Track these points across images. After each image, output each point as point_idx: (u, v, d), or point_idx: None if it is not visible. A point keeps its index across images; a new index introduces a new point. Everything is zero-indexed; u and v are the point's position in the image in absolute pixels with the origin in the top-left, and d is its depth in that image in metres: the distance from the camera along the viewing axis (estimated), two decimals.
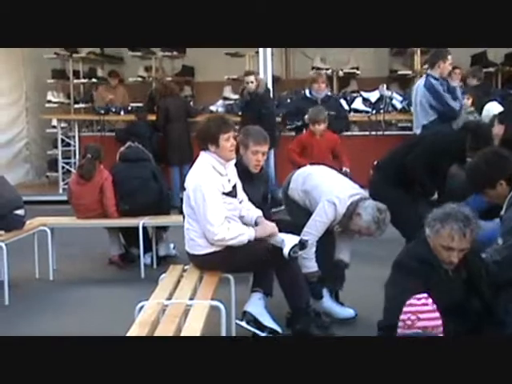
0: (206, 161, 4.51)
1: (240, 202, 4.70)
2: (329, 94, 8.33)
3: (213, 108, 10.82)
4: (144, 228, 6.67)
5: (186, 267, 4.92)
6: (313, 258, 4.91)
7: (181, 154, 9.71)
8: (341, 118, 8.09)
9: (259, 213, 4.76)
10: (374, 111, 10.45)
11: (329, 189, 5.03)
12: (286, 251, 4.53)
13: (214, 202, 4.41)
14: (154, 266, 6.93)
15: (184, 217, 4.69)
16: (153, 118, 10.23)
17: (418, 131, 7.46)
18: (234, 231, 4.46)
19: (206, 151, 4.55)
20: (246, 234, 4.48)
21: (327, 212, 4.91)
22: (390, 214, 4.98)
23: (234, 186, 4.63)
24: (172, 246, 7.07)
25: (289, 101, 10.10)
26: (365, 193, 5.14)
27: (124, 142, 7.36)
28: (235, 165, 4.73)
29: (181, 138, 9.90)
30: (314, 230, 4.92)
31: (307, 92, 8.27)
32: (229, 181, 4.57)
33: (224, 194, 4.52)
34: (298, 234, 4.79)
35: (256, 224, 4.66)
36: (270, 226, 4.57)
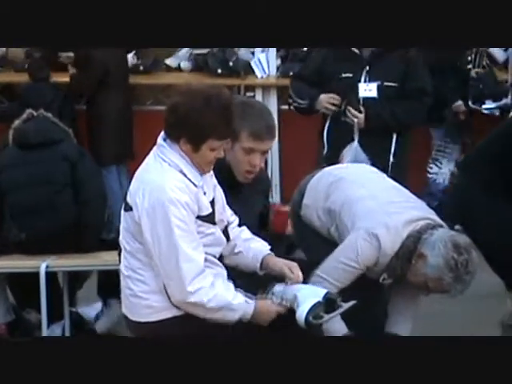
0: (168, 160, 3.51)
1: (226, 227, 3.70)
2: None
3: (170, 62, 8.30)
4: (49, 275, 5.21)
5: None
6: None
7: (120, 144, 7.45)
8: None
9: (266, 246, 3.77)
10: None
11: (371, 208, 4.03)
12: (301, 316, 3.49)
13: (188, 235, 3.45)
14: None
15: (120, 255, 3.68)
16: (63, 78, 7.72)
17: None
18: (221, 297, 3.46)
19: (171, 145, 3.52)
20: (239, 311, 3.47)
21: (361, 251, 3.92)
22: (491, 249, 4.22)
23: (212, 203, 3.61)
24: (100, 306, 5.64)
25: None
26: (435, 216, 4.10)
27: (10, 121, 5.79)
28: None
29: (121, 116, 7.70)
30: (331, 275, 3.94)
31: None
32: (204, 194, 3.56)
33: (200, 218, 3.52)
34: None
35: (261, 267, 3.70)
36: (270, 309, 3.56)
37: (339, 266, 3.98)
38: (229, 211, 3.81)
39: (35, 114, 5.46)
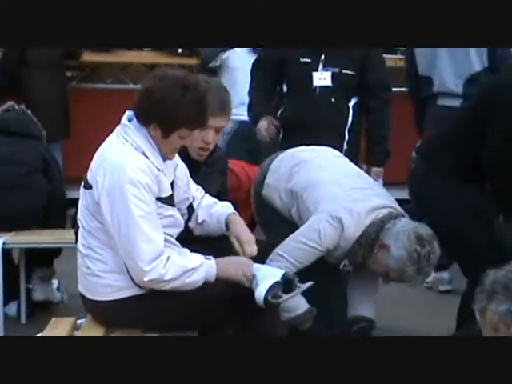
0: (130, 140, 3.47)
1: (190, 204, 3.73)
2: None
3: None
4: (5, 252, 5.10)
5: (79, 322, 3.91)
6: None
7: (50, 123, 7.09)
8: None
9: (230, 206, 3.78)
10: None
11: (334, 192, 4.01)
12: (260, 295, 3.48)
13: (147, 216, 3.42)
14: (23, 319, 5.49)
15: (77, 234, 3.63)
16: None
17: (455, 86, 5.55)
18: (176, 266, 3.42)
19: (137, 127, 3.47)
20: (200, 270, 3.43)
21: (324, 233, 3.89)
22: (449, 235, 4.02)
23: (172, 185, 3.58)
24: (56, 285, 5.61)
25: None
26: (396, 205, 4.08)
27: None
28: None
29: (48, 95, 7.71)
30: (291, 254, 3.89)
31: None
32: (164, 176, 3.52)
33: (159, 199, 3.48)
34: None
35: (227, 228, 3.71)
36: (245, 262, 3.55)
37: (300, 246, 3.95)
38: (194, 186, 3.79)
39: (16, 107, 5.49)
